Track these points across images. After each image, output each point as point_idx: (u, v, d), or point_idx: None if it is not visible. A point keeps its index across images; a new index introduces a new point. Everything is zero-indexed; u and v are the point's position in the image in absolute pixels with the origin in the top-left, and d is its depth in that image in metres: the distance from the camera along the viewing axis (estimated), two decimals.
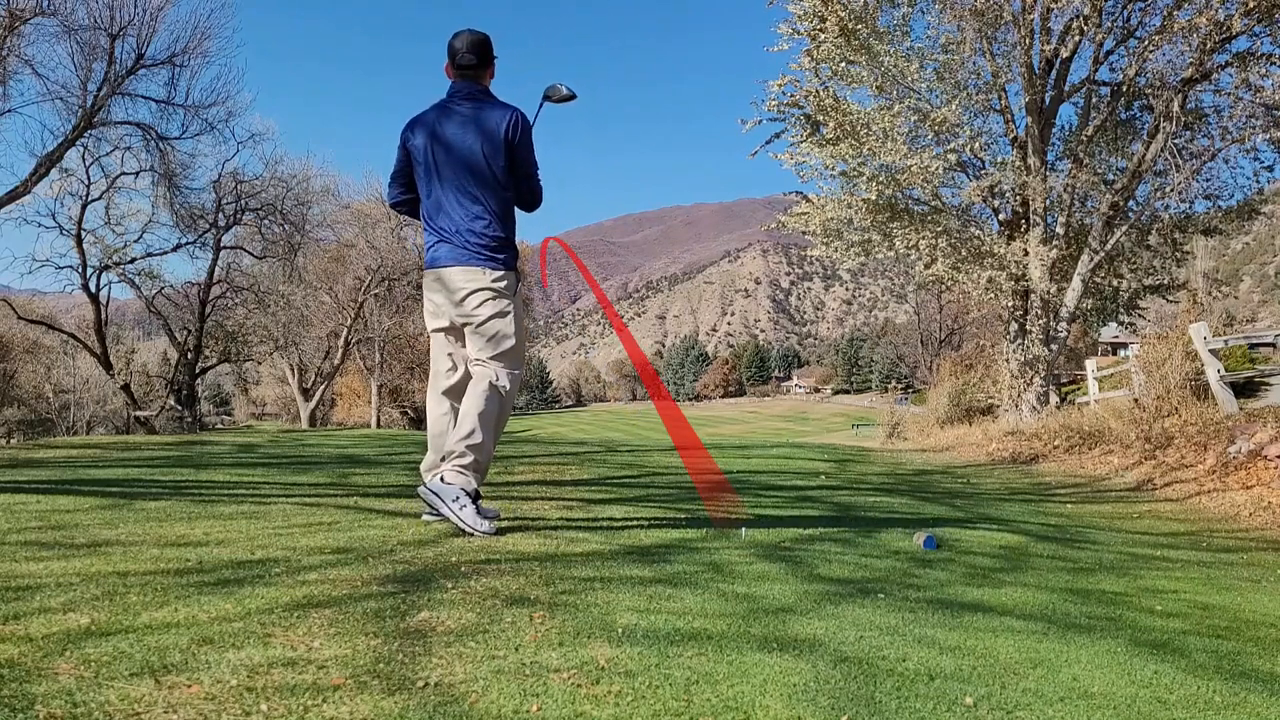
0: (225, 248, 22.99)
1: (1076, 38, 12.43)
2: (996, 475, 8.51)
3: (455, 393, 3.48)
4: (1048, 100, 13.16)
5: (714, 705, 1.66)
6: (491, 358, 3.36)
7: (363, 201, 29.32)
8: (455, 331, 3.46)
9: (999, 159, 13.67)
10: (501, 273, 3.34)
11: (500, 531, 3.29)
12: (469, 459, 3.24)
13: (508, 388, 3.38)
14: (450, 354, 3.49)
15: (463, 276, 3.33)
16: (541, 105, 3.62)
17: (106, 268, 21.07)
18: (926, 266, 13.66)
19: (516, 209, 3.49)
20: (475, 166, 3.32)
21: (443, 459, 3.33)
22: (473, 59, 3.39)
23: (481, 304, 3.33)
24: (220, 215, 21.98)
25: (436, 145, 3.35)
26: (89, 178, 19.61)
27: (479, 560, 2.78)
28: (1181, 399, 9.52)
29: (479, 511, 3.25)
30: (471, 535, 3.17)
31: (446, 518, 3.23)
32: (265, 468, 6.32)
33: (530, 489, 5.23)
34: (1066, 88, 13.24)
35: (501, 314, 3.35)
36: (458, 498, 3.20)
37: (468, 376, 3.45)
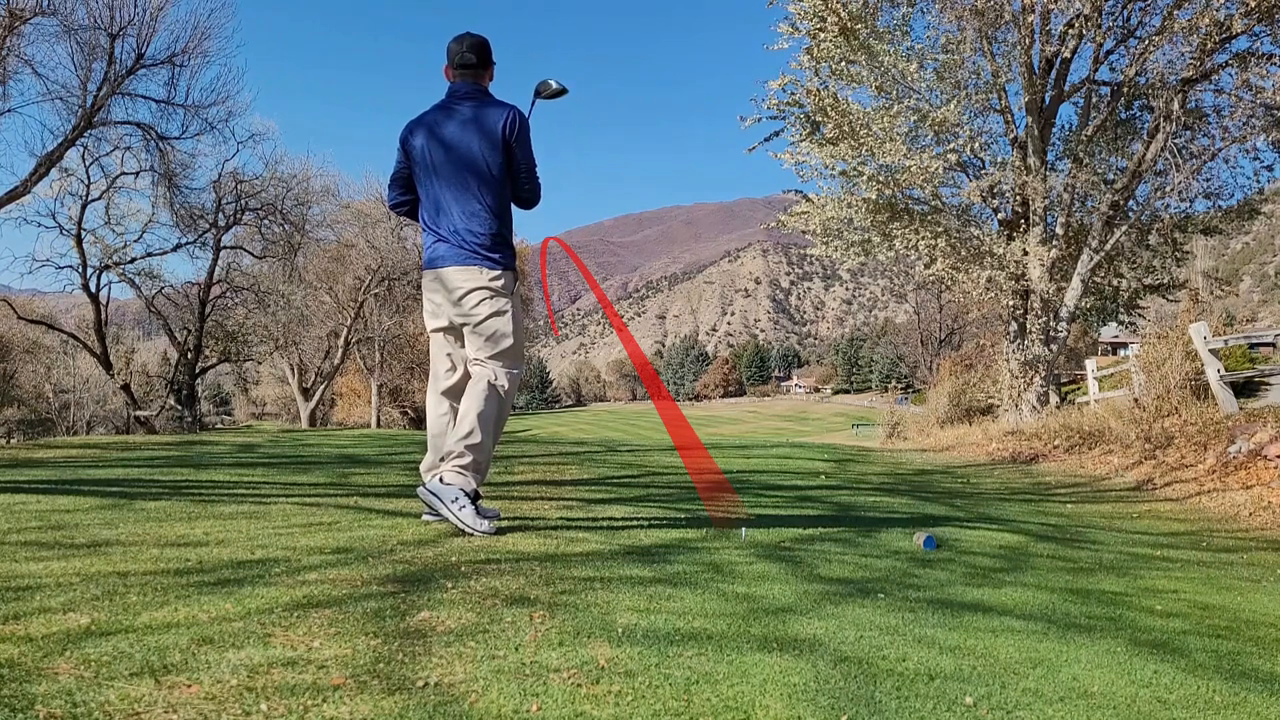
0: (225, 248, 22.99)
1: (1076, 38, 12.43)
2: (996, 475, 8.51)
3: (455, 393, 3.48)
4: (1048, 100, 13.16)
5: (714, 705, 1.66)
6: (490, 357, 3.37)
7: (363, 201, 29.32)
8: (454, 331, 3.47)
9: (999, 159, 13.67)
10: (499, 272, 3.35)
11: (500, 531, 3.29)
12: (468, 459, 3.24)
13: (506, 387, 3.38)
14: (449, 354, 3.50)
15: (461, 276, 3.34)
16: (534, 102, 3.63)
17: (106, 268, 21.08)
18: (926, 266, 13.67)
19: (515, 207, 3.50)
20: (474, 166, 3.33)
21: (442, 459, 3.34)
22: (472, 58, 3.41)
23: (479, 303, 3.34)
24: (220, 215, 21.99)
25: (435, 146, 3.37)
26: (89, 178, 19.64)
27: (479, 560, 2.78)
28: (1181, 399, 9.52)
29: (478, 512, 3.25)
30: (471, 535, 3.17)
31: (446, 518, 3.24)
32: (265, 468, 6.32)
33: (530, 489, 5.23)
34: (1066, 87, 13.23)
35: (499, 313, 3.36)
36: (456, 498, 3.20)
37: (467, 376, 3.45)
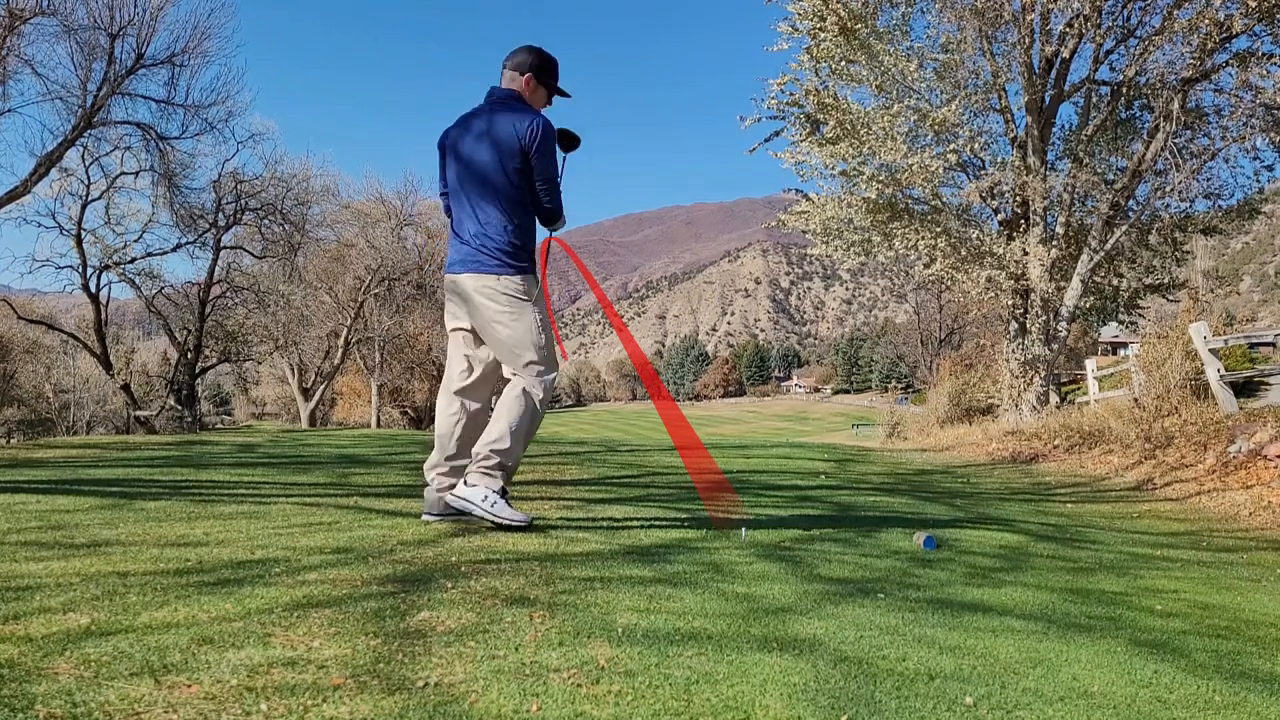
0: (225, 248, 23.00)
1: (1076, 38, 12.43)
2: (996, 475, 8.51)
3: (467, 394, 3.49)
4: (1048, 100, 13.15)
5: (714, 705, 1.66)
6: (521, 368, 3.36)
7: (363, 201, 29.35)
8: (474, 332, 3.48)
9: (999, 159, 13.67)
10: (515, 278, 3.34)
11: (500, 530, 3.30)
12: (494, 462, 3.27)
13: (541, 396, 3.37)
14: (467, 355, 3.50)
15: (474, 283, 3.34)
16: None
17: (106, 268, 21.09)
18: (926, 266, 13.67)
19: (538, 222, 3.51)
20: (487, 177, 3.35)
21: (451, 461, 3.38)
22: (515, 62, 3.46)
23: (495, 310, 3.34)
24: (220, 215, 21.99)
25: (456, 160, 3.43)
26: (89, 178, 19.66)
27: (479, 560, 2.78)
28: (1181, 399, 9.52)
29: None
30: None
31: (481, 519, 3.27)
32: (265, 468, 6.31)
33: (530, 489, 5.23)
34: (1066, 87, 13.23)
35: (516, 320, 3.34)
36: (487, 496, 3.25)
37: (481, 378, 3.48)
